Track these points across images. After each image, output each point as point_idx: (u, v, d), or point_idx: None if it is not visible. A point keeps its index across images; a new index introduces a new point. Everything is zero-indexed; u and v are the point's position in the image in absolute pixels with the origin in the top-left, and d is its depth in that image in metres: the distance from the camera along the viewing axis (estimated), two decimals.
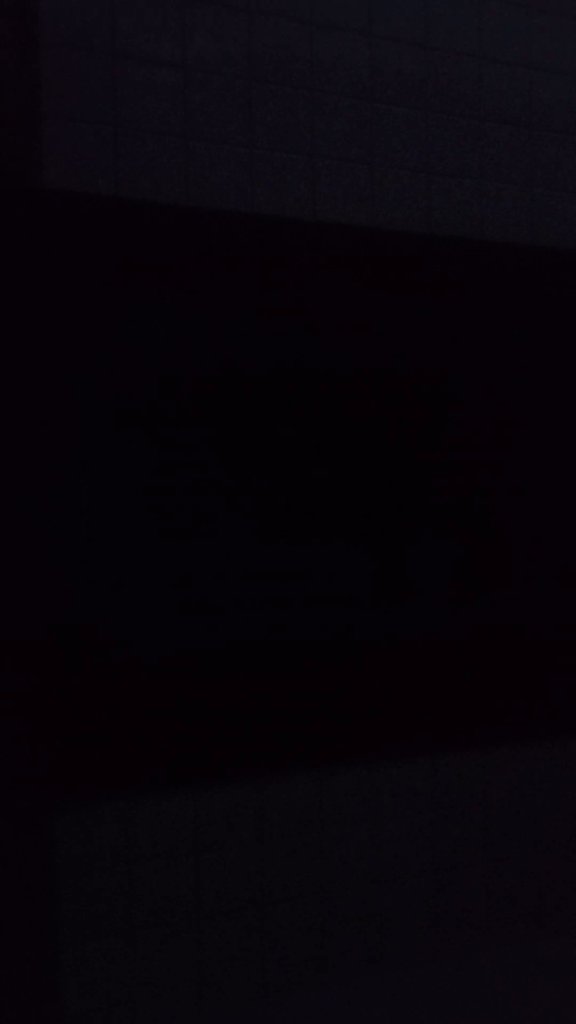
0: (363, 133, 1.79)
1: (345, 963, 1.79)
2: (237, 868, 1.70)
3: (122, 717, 1.59)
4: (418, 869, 1.85)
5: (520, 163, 1.93)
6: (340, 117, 1.77)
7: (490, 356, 1.89)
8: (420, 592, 1.82)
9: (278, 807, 1.74)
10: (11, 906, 1.50)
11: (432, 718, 1.84)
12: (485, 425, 1.88)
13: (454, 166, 1.87)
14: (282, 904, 1.74)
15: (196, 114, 1.66)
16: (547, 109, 1.95)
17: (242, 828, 1.71)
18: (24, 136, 1.51)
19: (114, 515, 1.59)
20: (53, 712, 1.55)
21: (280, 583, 1.71)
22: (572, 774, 2.00)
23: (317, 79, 1.75)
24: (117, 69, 1.60)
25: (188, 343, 1.65)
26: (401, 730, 1.81)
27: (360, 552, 1.77)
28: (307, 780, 1.76)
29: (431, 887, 1.87)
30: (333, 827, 1.78)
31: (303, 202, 1.75)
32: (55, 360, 1.56)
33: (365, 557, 1.78)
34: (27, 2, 1.51)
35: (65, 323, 1.56)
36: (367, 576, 1.78)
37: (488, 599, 1.89)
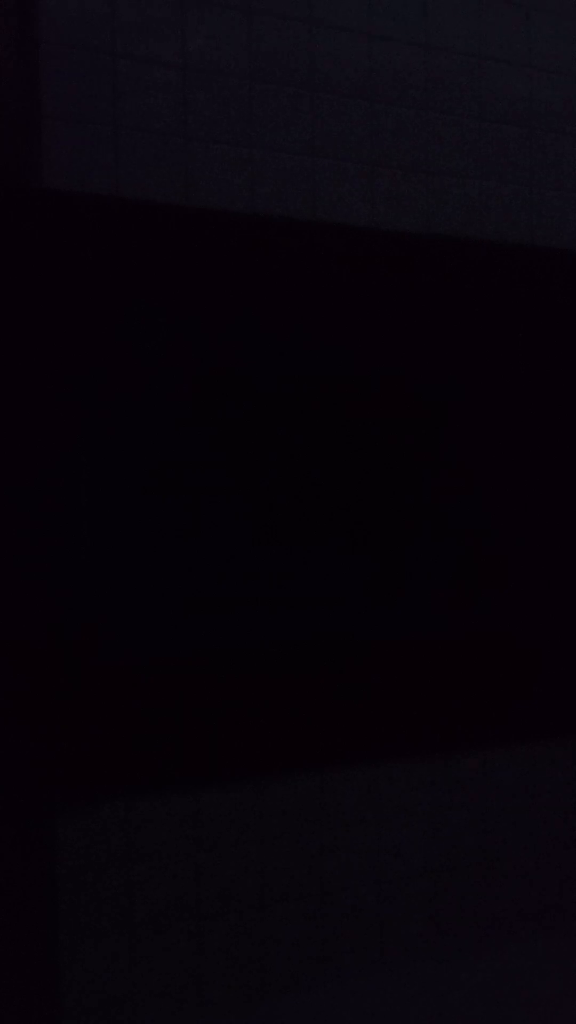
0: (363, 133, 1.79)
1: (345, 963, 1.79)
2: (237, 868, 1.70)
3: (122, 717, 1.59)
4: (418, 869, 1.85)
5: (520, 163, 1.93)
6: (340, 117, 1.77)
7: (490, 356, 1.89)
8: (420, 593, 1.82)
9: (278, 807, 1.74)
10: (11, 906, 1.50)
11: (432, 718, 1.84)
12: (485, 426, 1.88)
13: (454, 166, 1.87)
14: (282, 904, 1.74)
15: (196, 114, 1.66)
16: (547, 109, 1.95)
17: (242, 828, 1.71)
18: (24, 136, 1.51)
19: (114, 515, 1.59)
20: (53, 712, 1.55)
21: (280, 583, 1.71)
22: (572, 774, 2.00)
23: (317, 79, 1.75)
24: (117, 69, 1.60)
25: (188, 343, 1.65)
26: (401, 730, 1.81)
27: (360, 553, 1.77)
28: (307, 780, 1.76)
29: (431, 887, 1.87)
30: (333, 827, 1.78)
31: (303, 202, 1.75)
32: (55, 360, 1.56)
33: (365, 558, 1.78)
34: (27, 2, 1.51)
35: (65, 323, 1.56)
36: (367, 577, 1.78)
37: (488, 599, 1.89)
